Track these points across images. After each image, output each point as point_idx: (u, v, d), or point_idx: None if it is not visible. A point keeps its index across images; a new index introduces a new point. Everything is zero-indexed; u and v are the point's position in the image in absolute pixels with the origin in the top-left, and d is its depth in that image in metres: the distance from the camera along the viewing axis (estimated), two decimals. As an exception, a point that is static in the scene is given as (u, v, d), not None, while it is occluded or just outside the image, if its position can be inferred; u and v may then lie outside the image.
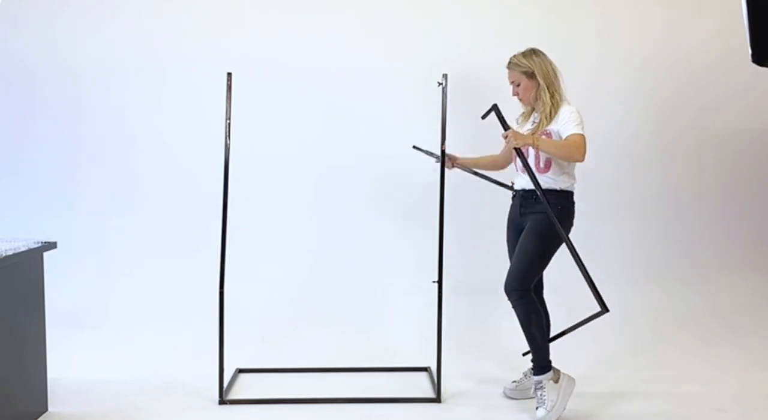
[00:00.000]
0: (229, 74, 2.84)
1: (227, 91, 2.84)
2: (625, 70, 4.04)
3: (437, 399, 2.91)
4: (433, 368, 3.05)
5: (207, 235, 3.49)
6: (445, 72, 2.91)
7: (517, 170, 2.95)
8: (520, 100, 2.93)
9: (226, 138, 2.86)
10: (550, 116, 2.78)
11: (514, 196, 3.00)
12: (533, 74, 2.83)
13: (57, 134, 4.01)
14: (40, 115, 4.01)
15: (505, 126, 2.79)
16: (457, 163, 3.15)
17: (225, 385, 2.92)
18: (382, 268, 3.99)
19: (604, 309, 2.59)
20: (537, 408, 2.70)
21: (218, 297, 2.88)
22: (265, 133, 3.95)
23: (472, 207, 3.93)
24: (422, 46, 3.93)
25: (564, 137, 2.72)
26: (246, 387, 3.07)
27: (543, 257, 2.76)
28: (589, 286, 2.59)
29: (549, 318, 2.94)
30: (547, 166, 2.82)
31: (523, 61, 2.86)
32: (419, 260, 3.85)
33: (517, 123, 3.00)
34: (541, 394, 2.71)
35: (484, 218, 3.92)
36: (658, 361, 3.44)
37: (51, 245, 2.69)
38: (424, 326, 3.34)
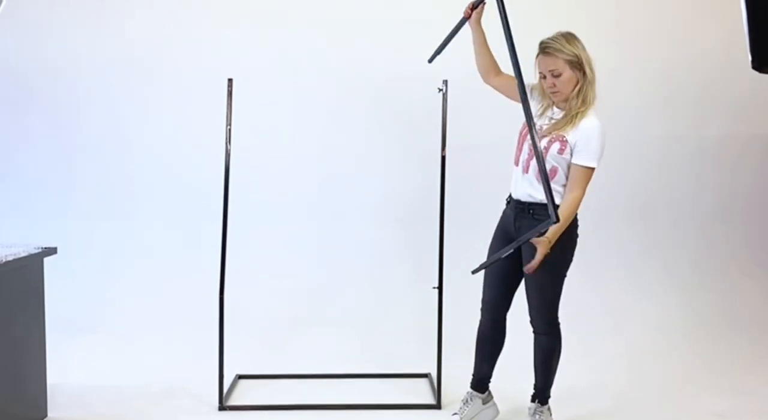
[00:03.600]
0: (230, 80, 2.85)
1: (228, 97, 2.85)
2: (624, 77, 4.04)
3: (437, 405, 2.91)
4: (434, 374, 3.05)
5: (207, 241, 3.49)
6: (445, 78, 2.92)
7: (516, 164, 2.53)
8: (554, 94, 2.42)
9: (226, 143, 2.86)
10: (576, 119, 2.36)
11: (508, 203, 2.63)
12: (580, 64, 2.37)
13: (55, 139, 4.01)
14: (37, 120, 4.01)
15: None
16: (474, 20, 2.57)
17: (225, 390, 2.91)
18: (382, 273, 3.99)
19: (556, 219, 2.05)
20: None
21: (218, 302, 2.88)
22: (265, 139, 3.95)
23: (473, 212, 3.92)
24: (422, 52, 3.93)
25: (572, 162, 2.37)
26: (246, 393, 3.06)
27: (560, 283, 2.51)
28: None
29: (504, 339, 2.71)
30: (554, 172, 2.40)
31: (568, 46, 2.36)
32: (419, 266, 3.85)
33: (532, 97, 2.51)
34: (539, 418, 2.63)
35: (485, 224, 3.91)
36: (657, 365, 3.44)
37: (51, 251, 2.69)
38: (425, 332, 3.34)
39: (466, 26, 2.63)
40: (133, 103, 4.00)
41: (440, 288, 2.94)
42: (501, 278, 2.64)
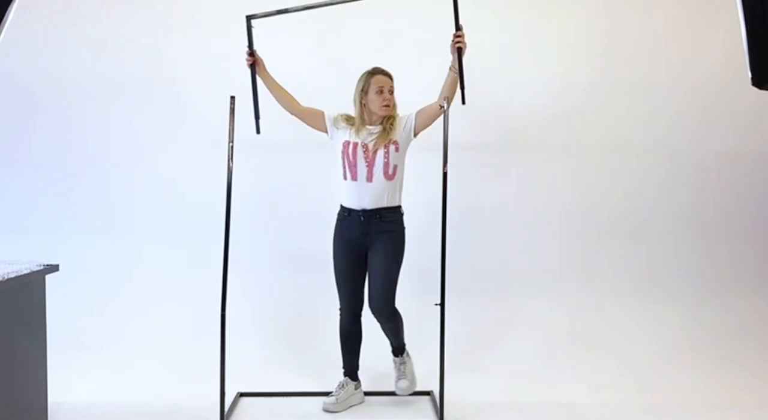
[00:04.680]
0: (233, 98, 2.87)
1: (230, 114, 2.86)
2: (625, 95, 4.05)
3: (440, 423, 2.89)
4: (436, 392, 3.03)
5: (209, 257, 3.49)
6: (446, 95, 2.93)
7: (355, 179, 3.00)
8: (386, 107, 3.03)
9: (228, 160, 2.87)
10: (394, 125, 3.02)
11: (348, 215, 3.06)
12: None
13: (58, 156, 4.02)
14: (41, 137, 4.03)
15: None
16: (259, 67, 3.08)
17: (226, 408, 2.90)
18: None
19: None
20: (399, 379, 3.12)
21: (220, 319, 2.87)
22: (266, 156, 3.96)
23: (475, 230, 3.92)
24: (422, 72, 3.95)
25: (418, 114, 3.02)
26: (247, 411, 3.05)
27: (399, 270, 3.07)
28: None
29: (362, 332, 3.21)
30: (395, 172, 2.99)
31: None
32: (421, 282, 3.83)
33: (337, 127, 3.10)
34: (403, 369, 3.14)
35: (488, 241, 3.92)
36: (663, 384, 3.41)
37: (53, 268, 2.69)
38: (427, 349, 3.32)
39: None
40: (135, 119, 4.02)
41: (442, 304, 2.92)
42: (359, 274, 3.12)
